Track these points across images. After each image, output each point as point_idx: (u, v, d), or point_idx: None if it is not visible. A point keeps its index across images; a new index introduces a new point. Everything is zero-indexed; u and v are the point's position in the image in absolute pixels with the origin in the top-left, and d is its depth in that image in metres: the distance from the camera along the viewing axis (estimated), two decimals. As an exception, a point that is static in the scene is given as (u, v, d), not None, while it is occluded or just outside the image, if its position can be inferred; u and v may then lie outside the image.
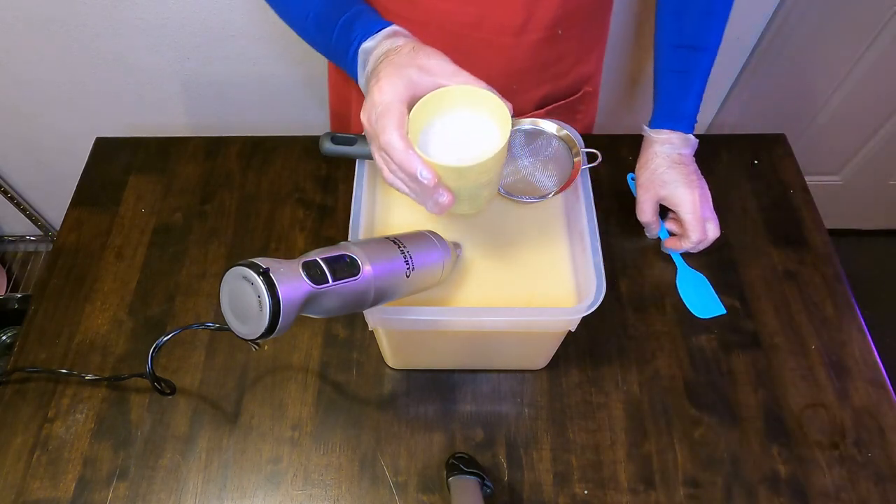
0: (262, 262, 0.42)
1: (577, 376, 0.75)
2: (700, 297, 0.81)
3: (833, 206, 1.62)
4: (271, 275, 0.42)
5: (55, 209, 1.62)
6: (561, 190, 0.67)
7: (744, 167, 0.94)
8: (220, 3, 1.08)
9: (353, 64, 0.58)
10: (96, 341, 0.78)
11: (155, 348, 0.64)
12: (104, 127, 1.22)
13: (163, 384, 0.69)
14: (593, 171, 0.68)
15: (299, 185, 0.92)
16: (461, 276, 0.65)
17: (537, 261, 0.67)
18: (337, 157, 0.66)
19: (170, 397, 0.74)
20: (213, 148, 0.97)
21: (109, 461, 0.70)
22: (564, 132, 0.68)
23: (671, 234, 0.84)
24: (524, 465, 0.70)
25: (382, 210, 0.70)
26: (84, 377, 0.74)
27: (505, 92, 0.75)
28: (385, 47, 0.54)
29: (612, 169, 0.90)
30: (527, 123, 0.68)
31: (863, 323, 0.79)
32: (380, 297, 0.51)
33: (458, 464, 0.65)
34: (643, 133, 0.80)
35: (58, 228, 1.22)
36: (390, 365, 0.76)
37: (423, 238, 0.57)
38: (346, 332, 0.79)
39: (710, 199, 0.78)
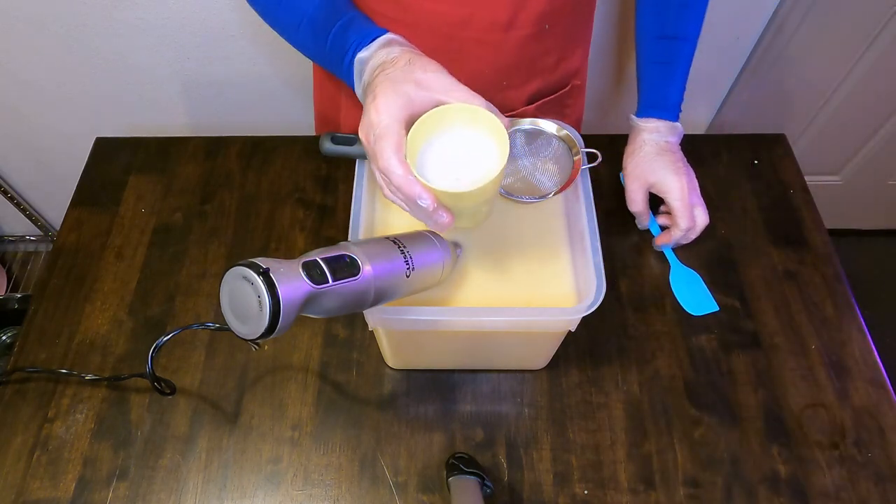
0: (262, 262, 0.42)
1: (577, 376, 0.75)
2: (693, 295, 0.81)
3: (833, 206, 1.62)
4: (271, 275, 0.42)
5: (55, 209, 1.62)
6: (561, 190, 0.67)
7: (744, 167, 0.94)
8: (220, 3, 1.08)
9: (350, 73, 0.57)
10: (96, 341, 0.78)
11: (155, 348, 0.64)
12: (104, 127, 1.22)
13: (163, 384, 0.69)
14: (593, 171, 0.68)
15: (299, 185, 0.92)
16: (461, 276, 0.65)
17: (537, 260, 0.67)
18: (337, 157, 0.66)
19: (170, 397, 0.74)
20: (213, 148, 0.97)
21: (109, 461, 0.70)
22: (564, 132, 0.68)
23: (662, 228, 0.84)
24: (524, 465, 0.70)
25: (382, 210, 0.70)
26: (84, 377, 0.74)
27: (495, 88, 0.76)
28: (380, 58, 0.53)
29: (612, 169, 0.90)
30: (527, 123, 0.68)
31: (863, 323, 0.79)
32: (380, 297, 0.51)
33: (458, 464, 0.65)
34: (630, 122, 0.82)
35: (58, 228, 1.22)
36: (390, 365, 0.76)
37: (423, 238, 0.57)
38: (346, 332, 0.79)
39: (698, 187, 0.80)
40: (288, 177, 0.94)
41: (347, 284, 0.47)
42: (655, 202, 0.83)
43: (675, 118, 0.79)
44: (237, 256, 0.85)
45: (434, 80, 0.50)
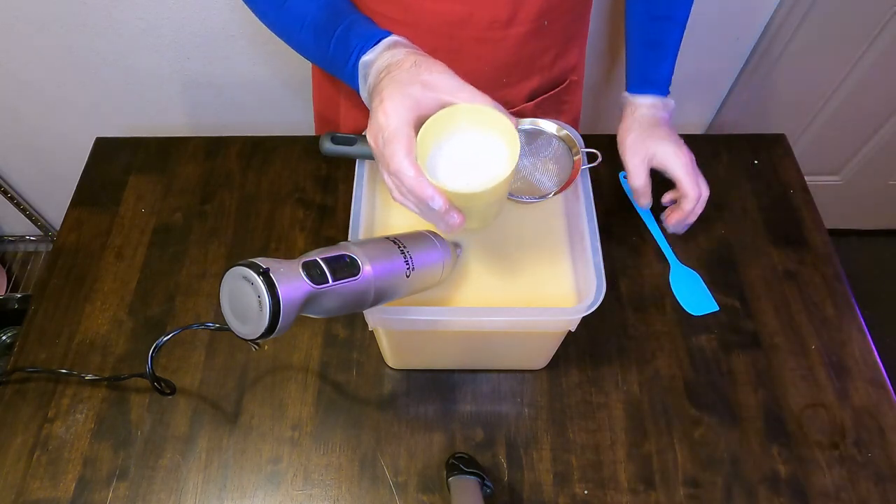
0: (262, 262, 0.42)
1: (577, 376, 0.75)
2: (693, 295, 0.81)
3: (833, 206, 1.62)
4: (271, 275, 0.42)
5: (55, 209, 1.62)
6: (561, 190, 0.67)
7: (744, 167, 0.94)
8: (220, 3, 1.08)
9: (354, 76, 0.57)
10: (96, 341, 0.78)
11: (155, 348, 0.64)
12: (104, 127, 1.22)
13: (163, 384, 0.69)
14: (593, 171, 0.68)
15: (299, 185, 0.92)
16: (461, 276, 0.65)
17: (537, 261, 0.67)
18: (337, 157, 0.66)
19: (170, 397, 0.74)
20: (213, 148, 0.97)
21: (109, 461, 0.70)
22: (564, 132, 0.68)
23: (666, 209, 0.83)
24: (524, 465, 0.70)
25: (382, 210, 0.70)
26: (84, 377, 0.74)
27: (495, 86, 0.76)
28: (385, 60, 0.53)
29: (612, 169, 0.90)
30: (527, 123, 0.68)
31: (863, 323, 0.79)
32: (380, 297, 0.51)
33: (458, 464, 0.65)
34: (623, 100, 0.80)
35: (58, 228, 1.22)
36: (390, 365, 0.76)
37: (423, 238, 0.57)
38: (346, 332, 0.79)
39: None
40: (288, 177, 0.94)
41: (347, 284, 0.47)
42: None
43: (666, 93, 0.79)
44: (237, 256, 0.85)
45: (440, 81, 0.50)
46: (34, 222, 1.62)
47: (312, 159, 0.95)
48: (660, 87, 0.78)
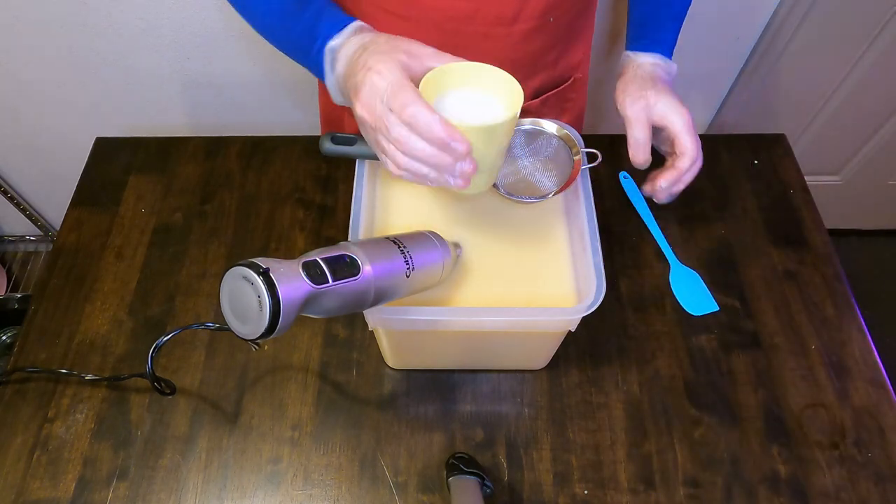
0: (262, 262, 0.42)
1: (577, 376, 0.75)
2: (693, 295, 0.81)
3: (833, 206, 1.62)
4: (271, 275, 0.42)
5: (55, 209, 1.62)
6: (561, 190, 0.67)
7: (744, 167, 0.94)
8: (220, 2, 1.08)
9: (319, 61, 0.57)
10: (96, 341, 0.78)
11: (155, 348, 0.64)
12: (104, 127, 1.22)
13: (163, 384, 0.69)
14: (593, 171, 0.68)
15: (299, 185, 0.92)
16: (461, 276, 0.65)
17: (537, 261, 0.67)
18: (337, 157, 0.66)
19: (170, 397, 0.74)
20: (213, 148, 0.97)
21: (109, 461, 0.70)
22: (564, 132, 0.68)
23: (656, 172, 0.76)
24: (524, 465, 0.70)
25: (382, 210, 0.70)
26: (84, 377, 0.74)
27: None
28: (356, 43, 0.54)
29: (612, 169, 0.90)
30: (527, 123, 0.68)
31: (863, 323, 0.79)
32: (380, 297, 0.51)
33: (458, 464, 0.65)
34: (624, 59, 0.76)
35: (58, 228, 1.22)
36: (390, 365, 0.76)
37: (423, 238, 0.57)
38: (346, 332, 0.79)
39: None
40: (288, 177, 0.94)
41: (347, 284, 0.47)
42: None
43: (670, 56, 0.74)
44: (237, 256, 0.85)
45: (420, 49, 0.51)
46: (34, 222, 1.62)
47: (312, 159, 0.95)
48: (663, 48, 0.74)
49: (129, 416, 0.73)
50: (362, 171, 0.66)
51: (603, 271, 0.59)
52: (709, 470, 0.70)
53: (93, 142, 0.99)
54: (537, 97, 0.81)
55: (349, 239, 0.60)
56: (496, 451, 0.71)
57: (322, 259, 0.46)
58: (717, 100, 1.37)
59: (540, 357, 0.74)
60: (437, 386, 0.75)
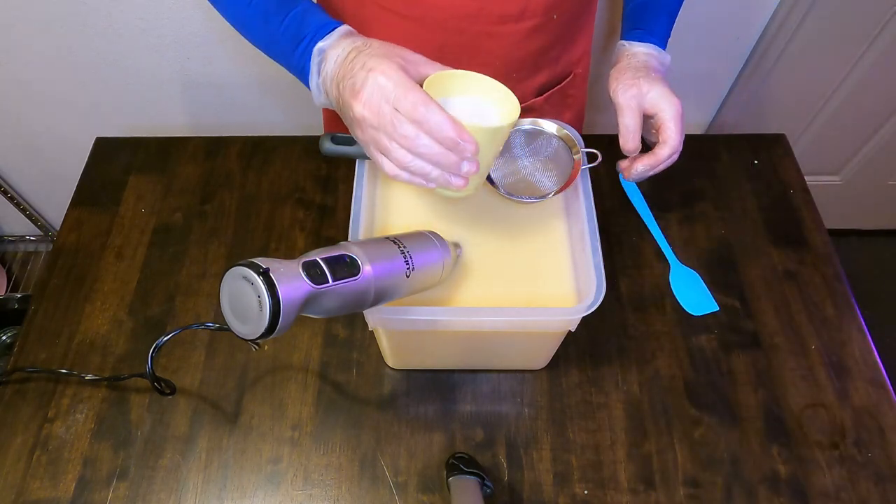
0: (262, 262, 0.42)
1: (577, 376, 0.75)
2: (693, 295, 0.81)
3: (833, 206, 1.62)
4: (271, 275, 0.41)
5: (55, 209, 1.62)
6: (561, 190, 0.67)
7: (744, 167, 0.94)
8: (220, 3, 1.08)
9: (303, 62, 0.57)
10: (96, 341, 0.78)
11: (155, 348, 0.64)
12: (104, 127, 1.22)
13: (163, 384, 0.69)
14: (593, 171, 0.68)
15: (299, 185, 0.92)
16: (461, 276, 0.65)
17: (537, 261, 0.67)
18: (337, 157, 0.66)
19: (170, 397, 0.74)
20: (213, 148, 0.97)
21: (109, 461, 0.70)
22: (564, 132, 0.68)
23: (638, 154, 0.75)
24: (524, 465, 0.70)
25: (382, 210, 0.70)
26: (84, 377, 0.74)
27: (504, 81, 0.75)
28: (347, 46, 0.54)
29: (612, 169, 0.90)
30: (527, 123, 0.68)
31: (863, 323, 0.79)
32: (380, 297, 0.51)
33: (458, 464, 0.65)
34: (618, 48, 0.76)
35: (58, 228, 1.22)
36: (390, 365, 0.76)
37: (423, 238, 0.57)
38: (346, 332, 0.79)
39: None
40: (288, 177, 0.94)
41: (347, 284, 0.47)
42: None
43: (664, 47, 0.75)
44: (237, 256, 0.85)
45: (412, 55, 0.52)
46: (34, 222, 1.62)
47: (312, 159, 0.95)
48: (657, 38, 0.74)
49: (129, 416, 0.73)
50: (362, 171, 0.66)
51: (603, 271, 0.59)
52: (709, 470, 0.69)
53: (93, 142, 0.99)
54: (541, 94, 0.81)
55: (349, 239, 0.60)
56: (496, 451, 0.71)
57: (322, 259, 0.46)
58: (717, 100, 1.37)
59: (540, 357, 0.74)
60: (437, 386, 0.75)
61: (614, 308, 0.80)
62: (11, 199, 1.53)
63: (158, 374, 0.68)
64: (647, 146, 0.71)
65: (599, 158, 0.67)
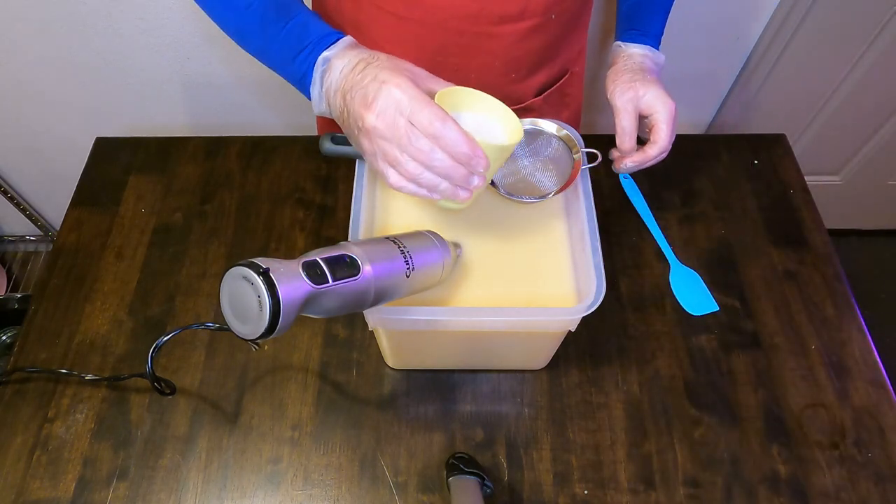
0: (262, 262, 0.42)
1: (577, 376, 0.75)
2: (693, 295, 0.81)
3: (833, 206, 1.62)
4: (271, 275, 0.41)
5: (55, 209, 1.62)
6: (561, 190, 0.67)
7: (744, 167, 0.94)
8: (220, 3, 1.08)
9: (304, 69, 0.57)
10: (96, 341, 0.78)
11: (155, 348, 0.64)
12: (104, 127, 1.22)
13: (163, 384, 0.69)
14: (593, 171, 0.68)
15: (299, 185, 0.92)
16: (461, 276, 0.65)
17: (537, 261, 0.67)
18: (337, 157, 0.66)
19: (170, 397, 0.74)
20: (213, 148, 0.97)
21: (109, 461, 0.70)
22: (564, 132, 0.68)
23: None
24: (524, 465, 0.70)
25: (382, 210, 0.70)
26: (84, 377, 0.74)
27: (504, 81, 0.76)
28: (354, 57, 0.53)
29: (613, 169, 0.90)
30: (527, 123, 0.68)
31: (863, 323, 0.79)
32: (380, 297, 0.51)
33: (458, 464, 0.65)
34: (614, 49, 0.78)
35: (58, 228, 1.22)
36: (390, 365, 0.76)
37: (423, 238, 0.57)
38: (346, 332, 0.79)
39: None
40: (288, 177, 0.94)
41: (347, 284, 0.47)
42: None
43: (657, 47, 0.77)
44: (237, 256, 0.85)
45: (417, 69, 0.52)
46: (34, 222, 1.62)
47: (312, 159, 0.95)
48: (651, 39, 0.77)
49: (129, 416, 0.73)
50: (362, 171, 0.66)
51: (603, 271, 0.59)
52: (709, 470, 0.70)
53: (93, 142, 0.99)
54: (540, 94, 0.81)
55: (349, 239, 0.60)
56: (496, 451, 0.71)
57: (322, 259, 0.46)
58: (717, 100, 1.37)
59: (540, 357, 0.74)
60: (437, 386, 0.75)
61: (614, 308, 0.80)
62: (11, 199, 1.53)
63: (158, 374, 0.68)
64: (639, 141, 0.73)
65: (599, 158, 0.67)
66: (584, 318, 0.59)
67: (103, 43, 1.15)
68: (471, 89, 0.56)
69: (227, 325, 0.45)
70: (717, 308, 0.80)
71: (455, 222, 0.69)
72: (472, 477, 0.64)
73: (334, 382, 0.75)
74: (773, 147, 0.97)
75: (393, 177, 0.51)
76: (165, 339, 0.64)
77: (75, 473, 0.69)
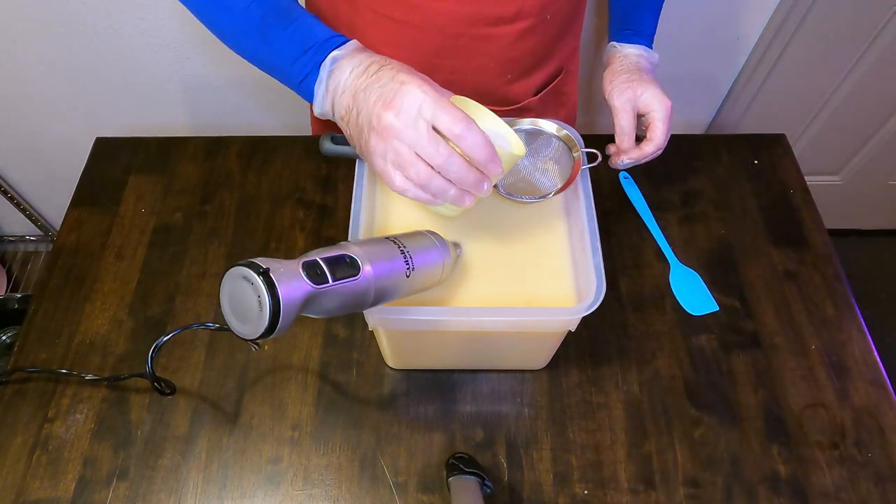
0: (262, 262, 0.42)
1: (577, 376, 0.75)
2: (693, 295, 0.81)
3: (833, 206, 1.62)
4: (271, 275, 0.41)
5: (55, 209, 1.62)
6: (561, 190, 0.67)
7: (744, 167, 0.94)
8: (220, 3, 1.08)
9: (308, 68, 0.56)
10: (96, 341, 0.78)
11: (155, 348, 0.64)
12: (104, 127, 1.22)
13: (163, 384, 0.69)
14: (593, 171, 0.68)
15: (299, 185, 0.92)
16: (461, 276, 0.65)
17: (537, 261, 0.67)
18: (337, 157, 0.66)
19: (170, 397, 0.74)
20: (213, 148, 0.97)
21: (109, 461, 0.70)
22: (564, 132, 0.68)
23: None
24: (524, 465, 0.70)
25: (382, 210, 0.70)
26: (84, 377, 0.74)
27: (501, 82, 0.76)
28: (365, 59, 0.53)
29: (613, 169, 0.90)
30: (527, 123, 0.68)
31: (863, 323, 0.79)
32: (380, 297, 0.51)
33: (458, 464, 0.65)
34: (610, 49, 0.79)
35: (58, 228, 1.22)
36: (390, 365, 0.76)
37: (423, 238, 0.57)
38: (346, 332, 0.79)
39: None
40: (288, 177, 0.94)
41: (347, 284, 0.47)
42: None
43: (651, 46, 0.78)
44: (237, 256, 0.85)
45: (427, 77, 0.52)
46: (34, 222, 1.62)
47: (312, 159, 0.95)
48: (645, 38, 0.78)
49: (129, 416, 0.73)
50: (362, 171, 0.66)
51: (603, 271, 0.59)
52: (709, 470, 0.70)
53: (93, 142, 0.99)
54: (536, 94, 0.82)
55: (349, 239, 0.60)
56: (496, 451, 0.71)
57: (322, 259, 0.46)
58: (717, 100, 1.37)
59: (540, 357, 0.74)
60: (437, 386, 0.75)
61: (614, 308, 0.80)
62: (11, 199, 1.53)
63: (158, 374, 0.68)
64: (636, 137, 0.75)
65: (599, 158, 0.67)
66: (584, 318, 0.59)
67: (103, 43, 1.15)
68: (476, 103, 0.56)
69: (227, 325, 0.45)
70: (717, 308, 0.80)
71: (455, 222, 0.69)
72: (472, 477, 0.64)
73: (334, 382, 0.75)
74: (773, 147, 0.97)
75: (398, 179, 0.50)
76: (165, 339, 0.64)
77: (75, 473, 0.69)
